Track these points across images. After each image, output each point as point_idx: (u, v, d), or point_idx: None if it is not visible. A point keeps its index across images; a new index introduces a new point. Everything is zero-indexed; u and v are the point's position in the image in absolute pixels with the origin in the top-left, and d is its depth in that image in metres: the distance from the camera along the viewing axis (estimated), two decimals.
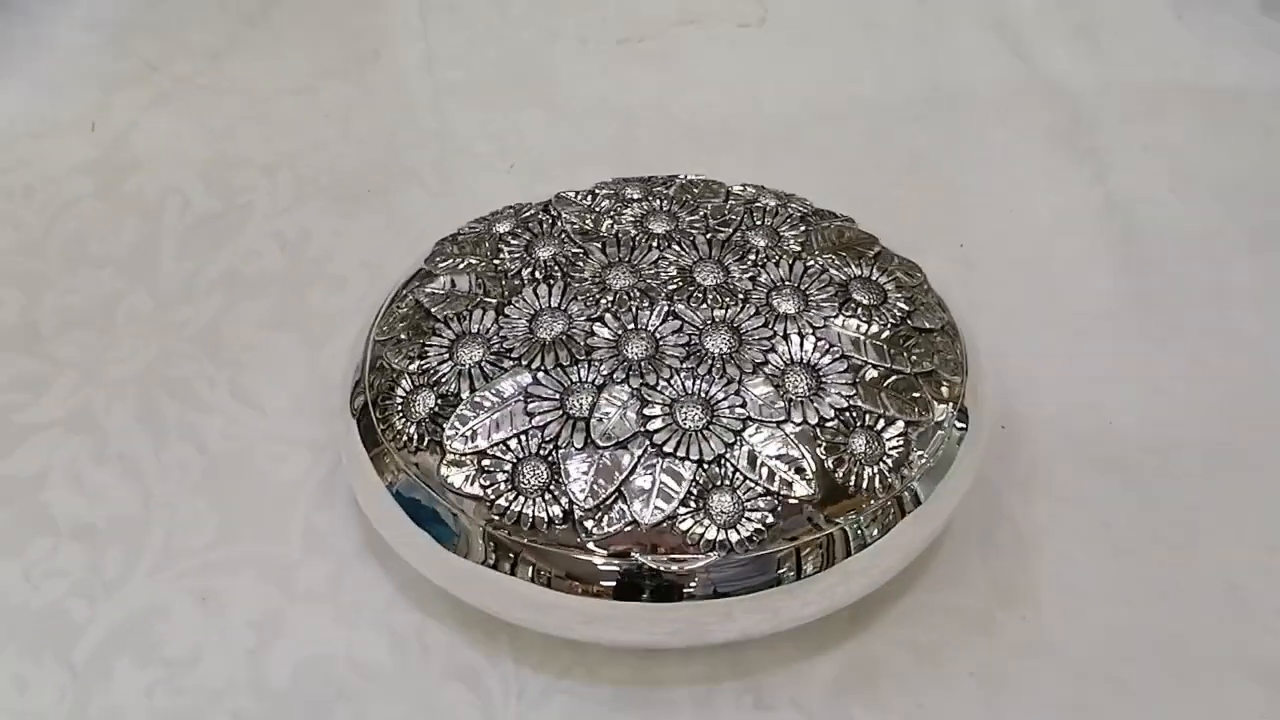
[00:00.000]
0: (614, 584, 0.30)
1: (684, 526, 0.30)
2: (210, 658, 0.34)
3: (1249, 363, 0.42)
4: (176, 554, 0.37)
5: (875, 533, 0.32)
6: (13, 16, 0.54)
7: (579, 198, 0.38)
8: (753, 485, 0.30)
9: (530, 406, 0.31)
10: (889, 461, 0.32)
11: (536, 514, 0.30)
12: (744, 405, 0.31)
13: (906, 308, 0.35)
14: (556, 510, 0.30)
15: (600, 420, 0.31)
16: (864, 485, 0.31)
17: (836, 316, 0.34)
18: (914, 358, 0.34)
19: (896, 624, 0.35)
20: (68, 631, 0.35)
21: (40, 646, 0.35)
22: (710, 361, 0.32)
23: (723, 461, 0.31)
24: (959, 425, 0.34)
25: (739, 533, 0.30)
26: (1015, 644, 0.35)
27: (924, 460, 0.33)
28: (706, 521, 0.30)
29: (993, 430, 0.39)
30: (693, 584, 0.31)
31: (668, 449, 0.31)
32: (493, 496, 0.31)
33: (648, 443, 0.31)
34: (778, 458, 0.31)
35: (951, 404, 0.34)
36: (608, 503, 0.30)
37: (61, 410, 0.40)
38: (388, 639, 0.34)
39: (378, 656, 0.34)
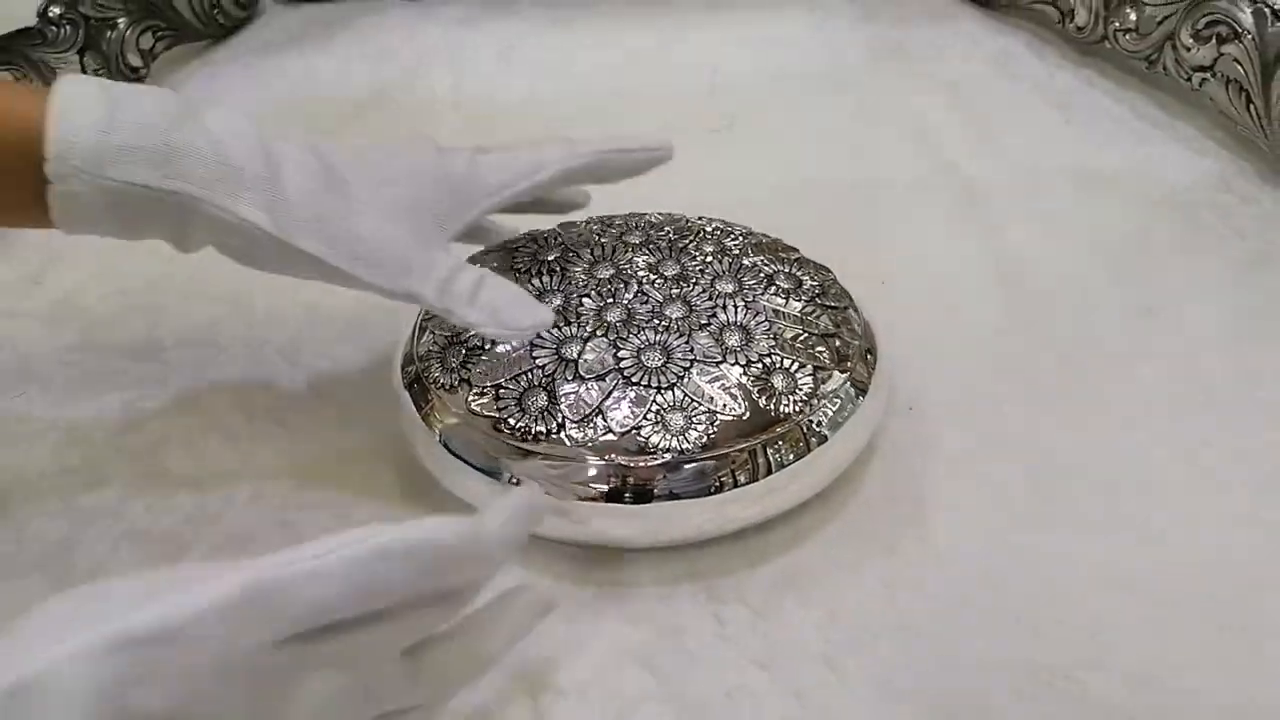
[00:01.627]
0: (602, 486, 0.38)
1: (645, 434, 0.38)
2: None
3: (1107, 362, 0.49)
4: (262, 498, 0.44)
5: (791, 457, 0.40)
6: None
7: (577, 225, 0.47)
8: (697, 406, 0.38)
9: (534, 353, 0.40)
10: (802, 394, 0.39)
11: (537, 428, 0.38)
12: (692, 352, 0.39)
13: (818, 292, 0.43)
14: (553, 424, 0.38)
15: (584, 361, 0.39)
16: (781, 411, 0.39)
17: (764, 295, 0.42)
18: (821, 324, 0.42)
19: (823, 544, 0.41)
20: (178, 550, 0.42)
21: (157, 559, 0.42)
22: (668, 323, 0.40)
23: (675, 389, 0.38)
24: (859, 385, 0.41)
25: (686, 440, 0.38)
26: (911, 558, 0.41)
27: (829, 407, 0.41)
28: (663, 431, 0.37)
29: (897, 404, 0.46)
30: (656, 486, 0.38)
31: (635, 380, 0.38)
32: (505, 416, 0.39)
33: (620, 376, 0.39)
34: (717, 386, 0.39)
35: (851, 363, 0.41)
36: (590, 418, 0.38)
37: (175, 398, 0.48)
38: None
39: None
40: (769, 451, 0.38)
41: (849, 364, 0.41)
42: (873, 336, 0.44)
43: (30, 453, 0.45)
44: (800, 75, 0.67)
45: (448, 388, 0.40)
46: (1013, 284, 0.53)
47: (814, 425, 0.39)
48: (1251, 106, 0.56)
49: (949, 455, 0.45)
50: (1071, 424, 0.46)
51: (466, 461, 0.39)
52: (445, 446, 0.39)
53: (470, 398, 0.39)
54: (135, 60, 0.63)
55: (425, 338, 0.42)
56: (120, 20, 0.62)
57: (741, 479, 0.38)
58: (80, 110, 0.34)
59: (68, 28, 0.59)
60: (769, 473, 0.38)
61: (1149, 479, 0.44)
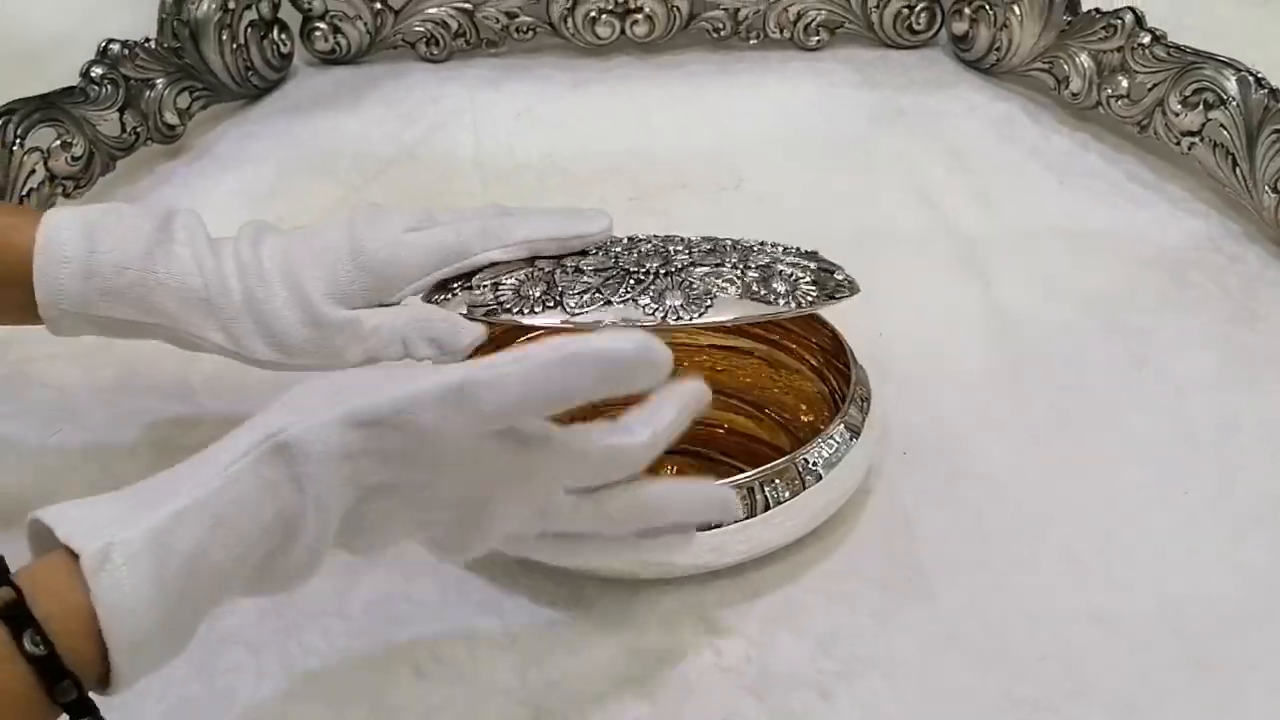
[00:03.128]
0: None
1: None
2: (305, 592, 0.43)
3: (1096, 410, 0.51)
4: None
5: (787, 494, 0.42)
6: (180, 187, 0.68)
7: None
8: (696, 285, 0.41)
9: (537, 263, 0.43)
10: (801, 287, 0.42)
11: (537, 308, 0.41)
12: (693, 266, 0.42)
13: (814, 266, 0.45)
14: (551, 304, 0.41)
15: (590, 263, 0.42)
16: (777, 298, 0.41)
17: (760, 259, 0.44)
18: (817, 268, 0.45)
19: (818, 580, 0.44)
20: None
21: None
22: (673, 263, 0.42)
23: (677, 276, 0.41)
24: (853, 429, 0.44)
25: (690, 313, 0.40)
26: (902, 593, 0.43)
27: (825, 448, 0.43)
28: (666, 304, 0.40)
29: (889, 445, 0.48)
30: None
31: (639, 277, 0.42)
32: (503, 304, 0.41)
33: (629, 278, 0.41)
34: (714, 276, 0.41)
35: (844, 422, 0.44)
36: (590, 302, 0.41)
37: (207, 439, 0.51)
38: (435, 583, 0.44)
39: (426, 590, 0.44)
40: (766, 489, 0.41)
41: (842, 423, 0.43)
42: (868, 383, 0.46)
43: (66, 487, 0.48)
44: (806, 137, 0.70)
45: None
46: (1006, 337, 0.55)
47: (809, 464, 0.42)
48: (1238, 169, 0.59)
49: (941, 498, 0.47)
50: (1060, 469, 0.48)
51: None
52: None
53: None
54: (172, 119, 0.67)
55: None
56: (159, 80, 0.66)
57: (741, 514, 0.41)
58: (63, 258, 0.41)
59: (109, 87, 0.63)
60: (766, 509, 0.41)
61: (1133, 521, 0.46)
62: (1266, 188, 0.58)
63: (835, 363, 0.48)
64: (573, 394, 0.33)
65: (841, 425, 0.43)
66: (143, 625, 0.29)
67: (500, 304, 0.42)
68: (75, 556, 0.29)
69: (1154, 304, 0.57)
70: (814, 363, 0.50)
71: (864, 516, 0.46)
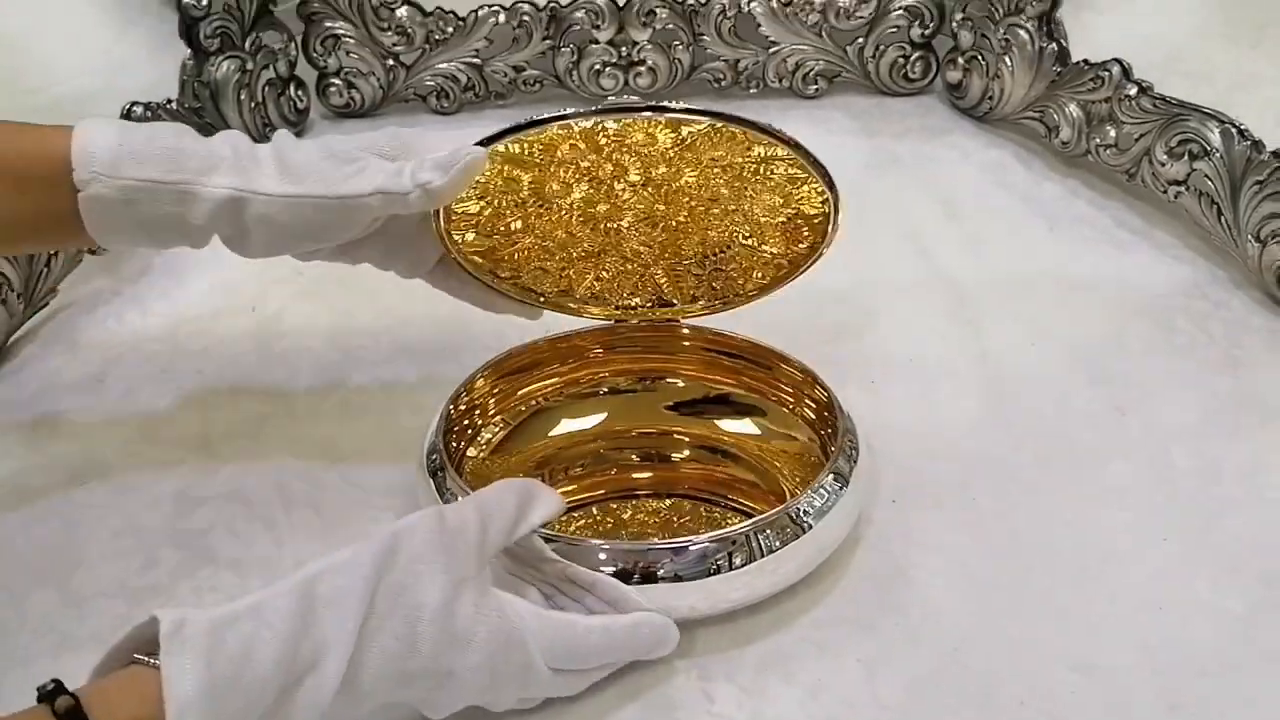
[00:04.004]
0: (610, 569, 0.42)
1: None
2: None
3: (1080, 457, 0.52)
4: None
5: (778, 543, 0.44)
6: None
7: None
8: None
9: None
10: None
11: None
12: None
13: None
14: None
15: None
16: None
17: None
18: None
19: (808, 627, 0.45)
20: None
21: None
22: None
23: None
24: (840, 482, 0.45)
25: None
26: (889, 639, 0.45)
27: (816, 499, 0.45)
28: None
29: (883, 495, 0.50)
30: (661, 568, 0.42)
31: None
32: None
33: None
34: None
35: (833, 471, 0.45)
36: None
37: (223, 489, 0.54)
38: None
39: None
40: (759, 538, 0.43)
41: (833, 476, 0.45)
42: (856, 434, 0.48)
43: (91, 536, 0.50)
44: None
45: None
46: (995, 383, 0.57)
47: (800, 514, 0.43)
48: (1223, 218, 0.61)
49: (928, 544, 0.48)
50: (1044, 515, 0.50)
51: None
52: None
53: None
54: None
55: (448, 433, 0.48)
56: None
57: (738, 561, 0.42)
58: (98, 133, 0.45)
59: None
60: (756, 558, 0.43)
61: (1115, 567, 0.47)
62: (1250, 236, 0.59)
63: (827, 416, 0.50)
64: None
65: (830, 475, 0.45)
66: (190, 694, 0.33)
67: None
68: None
69: (1140, 350, 0.58)
70: (809, 416, 0.51)
71: (853, 564, 0.47)
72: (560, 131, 0.47)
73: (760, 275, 0.52)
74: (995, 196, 0.70)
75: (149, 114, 0.66)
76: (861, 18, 0.76)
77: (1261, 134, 0.60)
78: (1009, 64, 0.71)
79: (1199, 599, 0.46)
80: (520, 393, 0.54)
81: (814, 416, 0.51)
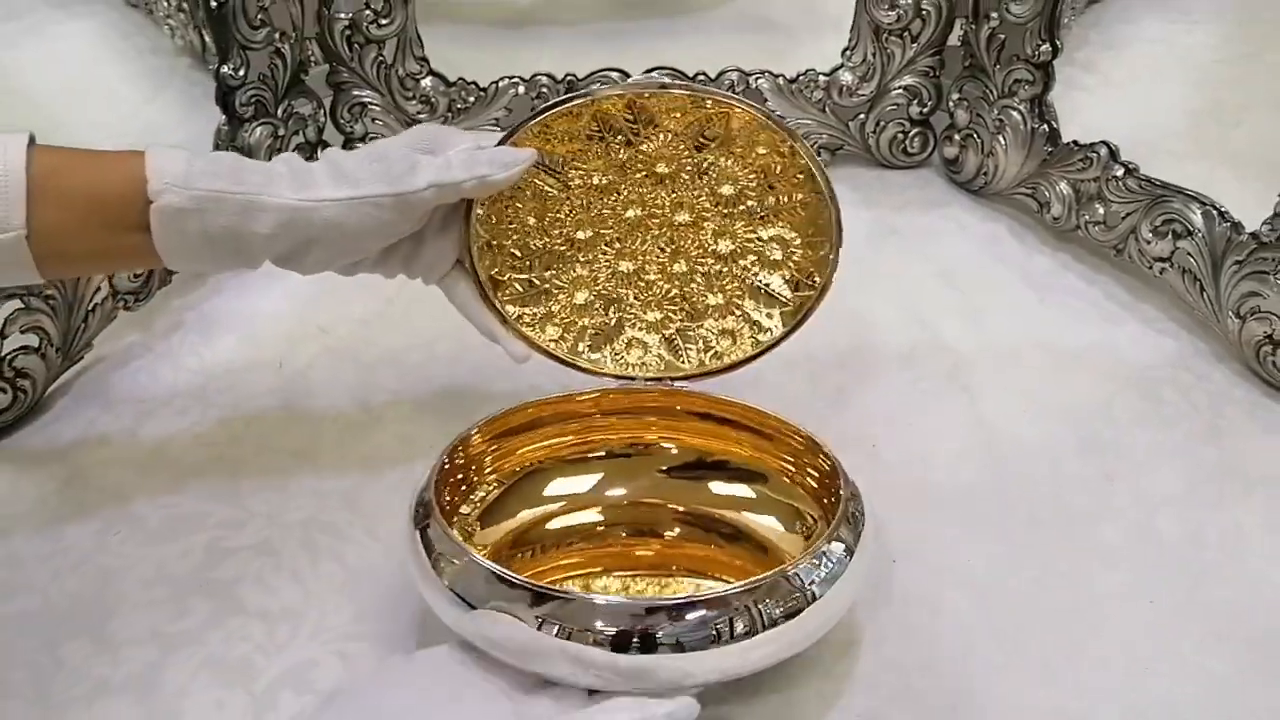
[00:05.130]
0: (610, 630, 0.42)
1: None
2: None
3: (1071, 522, 0.54)
4: (323, 631, 0.51)
5: (780, 613, 0.43)
6: (231, 297, 0.73)
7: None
8: None
9: None
10: None
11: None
12: None
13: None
14: None
15: None
16: None
17: None
18: None
19: (811, 683, 0.48)
20: (250, 675, 0.49)
21: (233, 682, 0.48)
22: None
23: None
24: (846, 552, 0.45)
25: None
26: (886, 695, 0.46)
27: (821, 569, 0.44)
28: None
29: (883, 556, 0.52)
30: (661, 633, 0.41)
31: None
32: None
33: None
34: None
35: (843, 543, 0.45)
36: None
37: (252, 541, 0.55)
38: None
39: None
40: (759, 607, 0.42)
41: (843, 546, 0.45)
42: (860, 500, 0.49)
43: (124, 585, 0.52)
44: None
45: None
46: (990, 450, 0.59)
47: (806, 584, 0.43)
48: (1205, 295, 0.63)
49: (925, 605, 0.50)
50: (1037, 577, 0.52)
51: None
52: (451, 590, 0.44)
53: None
54: None
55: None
56: None
57: (739, 630, 0.42)
58: (169, 152, 0.48)
59: None
60: (764, 628, 0.42)
61: (1103, 629, 0.49)
62: (1231, 312, 0.62)
63: (830, 484, 0.50)
64: None
65: (834, 540, 0.45)
66: None
67: None
68: None
69: (1128, 419, 0.61)
70: (810, 485, 0.53)
71: (853, 621, 0.49)
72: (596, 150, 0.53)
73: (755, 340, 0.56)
74: (990, 268, 0.72)
75: None
76: (863, 95, 0.79)
77: (1244, 211, 0.63)
78: (1003, 142, 0.74)
79: (1185, 660, 0.48)
80: (517, 452, 0.55)
81: (816, 486, 0.52)
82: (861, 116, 0.80)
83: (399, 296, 0.71)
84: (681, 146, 0.54)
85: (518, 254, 0.55)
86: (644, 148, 0.54)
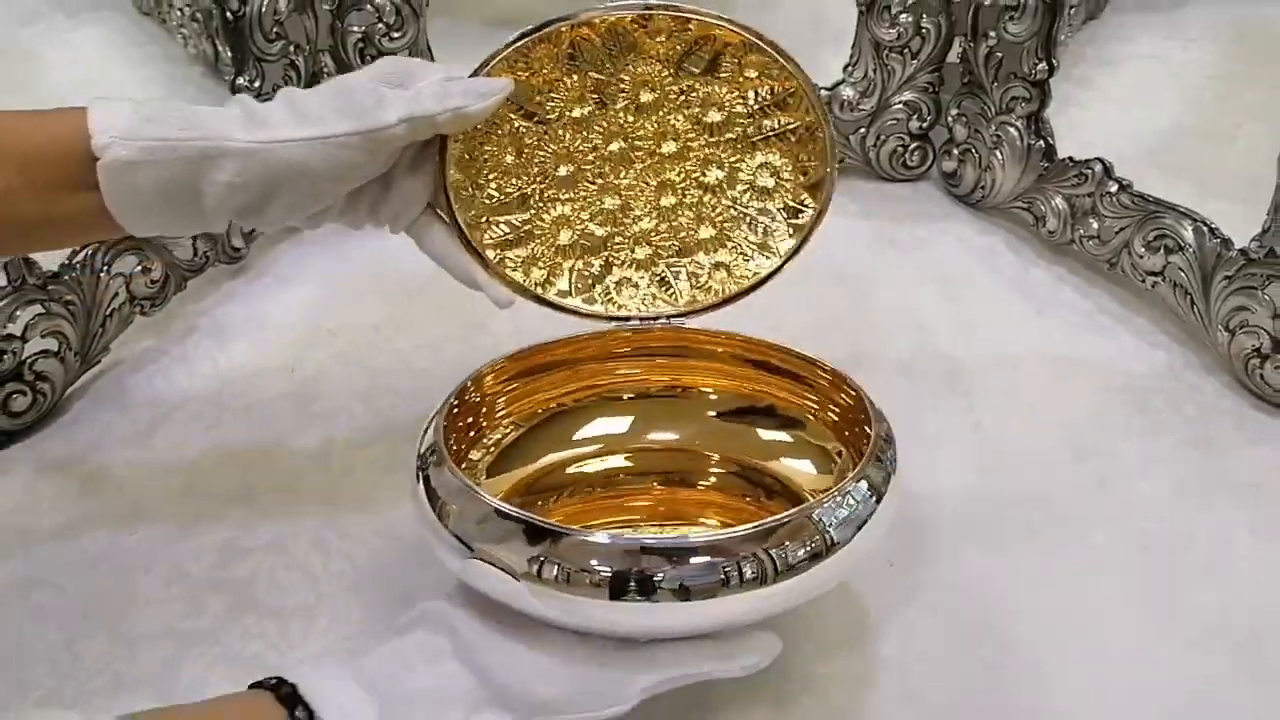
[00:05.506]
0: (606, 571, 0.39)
1: None
2: None
3: (1064, 526, 0.56)
4: (334, 627, 0.52)
5: (802, 554, 0.40)
6: (243, 303, 0.74)
7: None
8: None
9: None
10: None
11: None
12: None
13: None
14: None
15: None
16: None
17: None
18: None
19: (787, 680, 0.49)
20: (264, 670, 0.49)
21: (247, 678, 0.49)
22: None
23: None
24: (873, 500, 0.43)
25: None
26: (881, 698, 0.48)
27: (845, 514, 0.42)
28: None
29: (880, 559, 0.53)
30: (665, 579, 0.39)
31: None
32: None
33: None
34: None
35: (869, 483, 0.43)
36: None
37: (265, 541, 0.57)
38: None
39: None
40: (774, 552, 0.40)
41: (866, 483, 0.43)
42: (892, 439, 0.47)
43: (141, 583, 0.53)
44: (806, 265, 0.75)
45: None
46: (987, 455, 0.60)
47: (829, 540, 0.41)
48: (1195, 308, 0.65)
49: (922, 604, 0.52)
50: (1030, 579, 0.53)
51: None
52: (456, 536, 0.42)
53: None
54: (238, 242, 0.73)
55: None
56: None
57: (749, 574, 0.39)
58: (113, 104, 0.44)
59: None
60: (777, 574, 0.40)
61: (1092, 631, 0.50)
62: (1220, 326, 0.63)
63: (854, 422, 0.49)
64: None
65: (863, 482, 0.43)
66: None
67: None
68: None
69: (1120, 428, 0.62)
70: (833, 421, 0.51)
71: (851, 625, 0.51)
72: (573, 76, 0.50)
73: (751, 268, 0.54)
74: (988, 280, 0.73)
75: None
76: (864, 110, 0.80)
77: (1234, 227, 0.64)
78: (1000, 158, 0.75)
79: (1171, 662, 0.49)
80: (536, 395, 0.53)
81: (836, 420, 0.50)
82: (863, 130, 0.81)
83: (408, 301, 0.72)
84: (665, 73, 0.51)
85: (496, 195, 0.52)
86: (625, 75, 0.51)
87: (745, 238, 0.54)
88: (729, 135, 0.52)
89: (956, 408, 0.64)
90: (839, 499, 0.42)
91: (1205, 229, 0.64)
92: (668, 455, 0.54)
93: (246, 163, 0.44)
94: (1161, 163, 0.81)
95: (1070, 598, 0.52)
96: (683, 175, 0.53)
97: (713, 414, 0.55)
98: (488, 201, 0.52)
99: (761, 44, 0.50)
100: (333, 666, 0.41)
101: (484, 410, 0.52)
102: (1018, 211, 0.76)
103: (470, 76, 0.48)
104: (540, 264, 0.53)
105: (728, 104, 0.52)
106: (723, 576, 0.39)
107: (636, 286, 0.55)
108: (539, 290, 0.53)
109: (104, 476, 0.59)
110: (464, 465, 0.50)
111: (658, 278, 0.55)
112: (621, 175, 0.53)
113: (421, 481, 0.45)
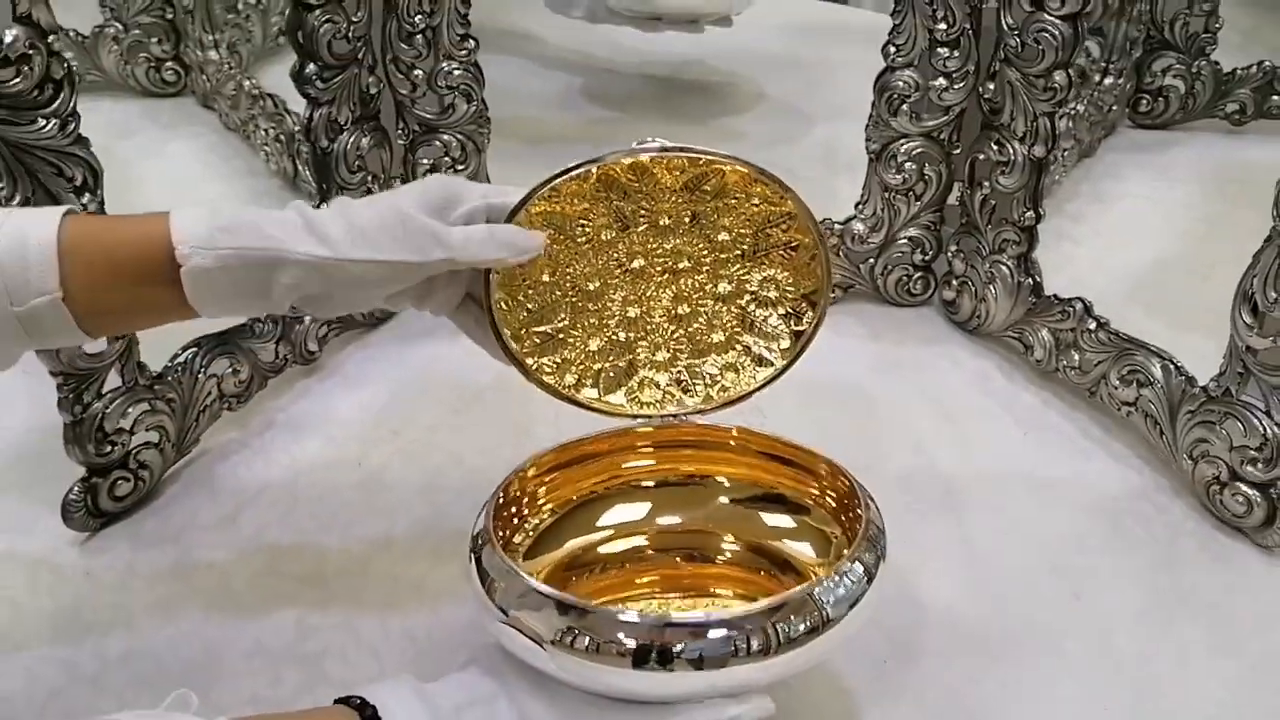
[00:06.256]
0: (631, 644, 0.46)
1: None
2: None
3: (1039, 635, 0.62)
4: None
5: (803, 628, 0.46)
6: (315, 401, 0.82)
7: None
8: None
9: None
10: None
11: None
12: None
13: None
14: None
15: None
16: None
17: None
18: None
19: None
20: None
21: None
22: None
23: None
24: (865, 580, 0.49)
25: None
26: None
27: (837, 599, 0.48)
28: None
29: (874, 657, 0.59)
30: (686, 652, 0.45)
31: None
32: None
33: None
34: None
35: (863, 565, 0.49)
36: None
37: (335, 620, 0.63)
38: None
39: None
40: (778, 626, 0.46)
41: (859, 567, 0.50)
42: (882, 525, 0.54)
43: (227, 655, 0.60)
44: (818, 380, 0.82)
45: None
46: (971, 565, 0.66)
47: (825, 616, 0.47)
48: (1164, 437, 0.71)
49: (910, 699, 0.58)
50: (1007, 682, 0.59)
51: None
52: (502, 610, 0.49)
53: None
54: (313, 345, 0.81)
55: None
56: (306, 317, 0.80)
57: (755, 646, 0.45)
58: (190, 215, 0.51)
59: (270, 324, 0.77)
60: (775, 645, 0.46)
61: None
62: (1185, 455, 0.70)
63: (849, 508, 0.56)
64: None
65: (858, 564, 0.49)
66: None
67: None
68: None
69: (1095, 545, 0.68)
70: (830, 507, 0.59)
71: (847, 712, 0.57)
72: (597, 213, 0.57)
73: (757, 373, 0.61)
74: (980, 402, 0.80)
75: None
76: (873, 243, 0.88)
77: (1206, 358, 0.70)
78: (993, 291, 0.83)
79: None
80: (570, 485, 0.60)
81: (834, 506, 0.57)
82: (871, 260, 0.89)
83: (463, 408, 0.80)
84: (680, 200, 0.58)
85: (532, 308, 0.58)
86: (645, 204, 0.58)
87: (752, 342, 0.61)
88: (736, 252, 0.60)
89: (947, 520, 0.70)
90: (837, 579, 0.48)
91: (1172, 367, 0.71)
92: (687, 535, 0.62)
93: (307, 271, 0.51)
94: (1143, 298, 0.88)
95: (1040, 699, 0.58)
96: (696, 287, 0.61)
97: (725, 500, 0.62)
98: (525, 315, 0.58)
99: (764, 177, 0.58)
100: (406, 691, 0.49)
101: (525, 500, 0.60)
102: (1009, 340, 0.83)
103: (511, 211, 0.55)
104: (573, 369, 0.60)
105: (733, 227, 0.59)
106: (734, 649, 0.45)
107: (657, 386, 0.61)
108: (571, 393, 0.60)
109: (193, 556, 0.66)
110: (507, 548, 0.55)
111: (676, 378, 0.61)
112: (643, 287, 0.60)
113: (473, 562, 0.52)
